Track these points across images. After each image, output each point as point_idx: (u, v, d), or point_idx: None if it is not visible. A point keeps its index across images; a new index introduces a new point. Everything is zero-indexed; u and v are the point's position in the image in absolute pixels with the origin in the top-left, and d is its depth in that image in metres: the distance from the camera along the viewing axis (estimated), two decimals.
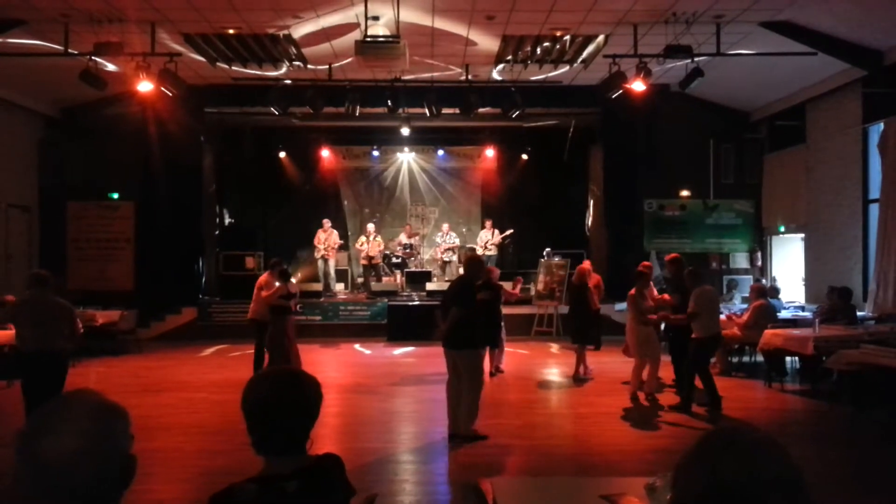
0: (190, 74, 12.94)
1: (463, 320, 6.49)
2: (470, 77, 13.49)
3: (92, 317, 11.72)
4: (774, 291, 12.11)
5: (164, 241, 14.64)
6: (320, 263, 16.14)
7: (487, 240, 16.42)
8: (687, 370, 8.08)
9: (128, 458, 1.43)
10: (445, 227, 16.99)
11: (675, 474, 1.27)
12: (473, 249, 16.83)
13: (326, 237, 16.03)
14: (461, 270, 16.22)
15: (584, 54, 12.71)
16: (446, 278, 16.31)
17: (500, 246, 16.47)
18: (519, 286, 11.70)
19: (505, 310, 10.53)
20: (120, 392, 8.73)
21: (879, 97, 11.29)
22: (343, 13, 10.66)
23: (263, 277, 9.95)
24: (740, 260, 15.67)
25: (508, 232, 16.47)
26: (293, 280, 10.54)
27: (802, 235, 14.09)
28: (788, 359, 9.93)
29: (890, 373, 7.44)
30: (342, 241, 16.63)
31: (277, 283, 9.49)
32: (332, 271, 16.23)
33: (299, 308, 9.98)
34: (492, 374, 9.97)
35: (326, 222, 16.24)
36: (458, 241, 16.89)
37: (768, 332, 9.37)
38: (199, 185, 15.46)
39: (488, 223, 16.77)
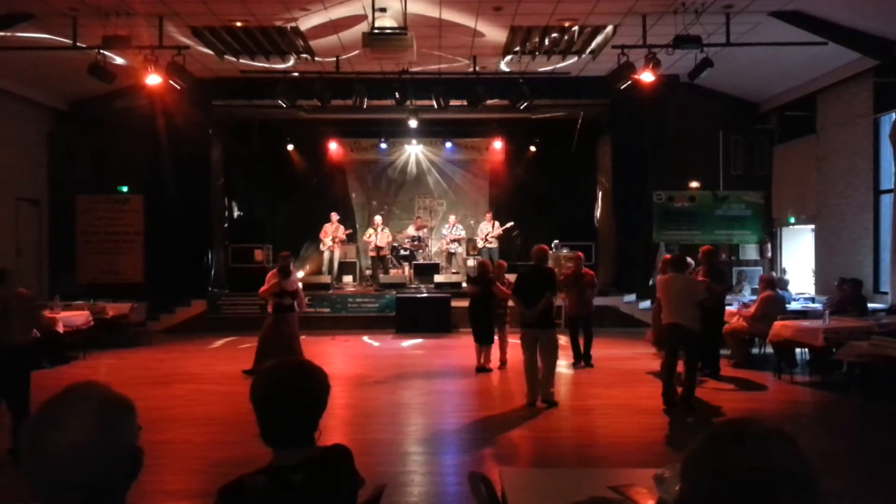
0: (198, 67, 12.96)
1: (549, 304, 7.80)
2: (478, 69, 13.44)
3: (102, 309, 11.79)
4: (783, 283, 12.06)
5: (173, 233, 14.69)
6: (326, 255, 16.19)
7: (488, 232, 16.43)
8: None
9: (134, 451, 1.43)
10: (452, 218, 17.02)
11: (684, 465, 1.26)
12: (474, 241, 16.88)
13: (333, 230, 16.09)
14: (469, 262, 16.37)
15: (593, 45, 12.64)
16: (453, 270, 16.33)
17: (500, 238, 16.46)
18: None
19: (512, 302, 10.31)
20: (130, 384, 8.78)
21: (891, 87, 11.19)
22: (350, 5, 10.64)
23: (272, 272, 9.85)
24: (750, 251, 15.59)
25: (509, 224, 16.42)
26: (296, 276, 10.35)
27: (812, 227, 14.00)
28: (798, 350, 9.90)
29: None
30: (350, 231, 16.66)
31: (276, 279, 9.38)
32: (335, 264, 16.29)
33: (298, 306, 9.77)
34: (483, 369, 9.90)
35: (334, 216, 16.31)
36: (464, 233, 16.90)
37: (778, 324, 9.34)
38: (208, 177, 15.49)
39: (488, 215, 16.78)
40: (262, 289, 9.52)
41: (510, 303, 10.18)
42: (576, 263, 10.61)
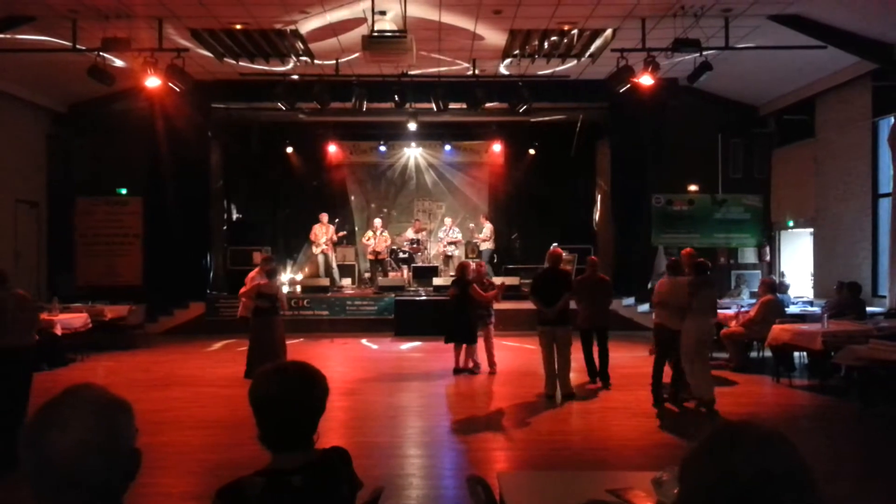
0: (197, 70, 12.97)
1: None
2: (477, 72, 13.46)
3: (101, 311, 11.78)
4: (783, 287, 12.06)
5: (172, 236, 14.68)
6: (321, 258, 16.15)
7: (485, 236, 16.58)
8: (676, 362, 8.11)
9: (133, 452, 1.44)
10: (448, 221, 17.05)
11: (682, 468, 1.26)
12: (472, 244, 16.93)
13: (324, 231, 16.01)
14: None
15: (592, 48, 12.66)
16: (451, 273, 16.33)
17: (488, 240, 16.67)
18: (497, 291, 10.22)
19: (510, 305, 10.24)
20: (128, 386, 8.77)
21: (889, 91, 11.20)
22: (350, 8, 10.65)
23: (252, 273, 9.65)
24: (749, 255, 15.61)
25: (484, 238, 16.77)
26: (282, 278, 10.29)
27: (811, 230, 14.02)
28: (797, 354, 9.90)
29: None
30: (344, 233, 16.60)
31: (256, 281, 9.25)
32: (334, 265, 16.25)
33: (282, 309, 9.72)
34: (460, 370, 9.92)
35: (324, 216, 16.21)
36: (461, 236, 16.93)
37: (776, 328, 9.34)
38: (207, 180, 15.48)
39: (482, 217, 16.87)
40: (242, 291, 9.47)
41: (495, 304, 10.19)
42: (589, 268, 9.57)
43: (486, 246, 16.64)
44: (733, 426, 1.27)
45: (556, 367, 8.33)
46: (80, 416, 1.37)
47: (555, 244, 15.13)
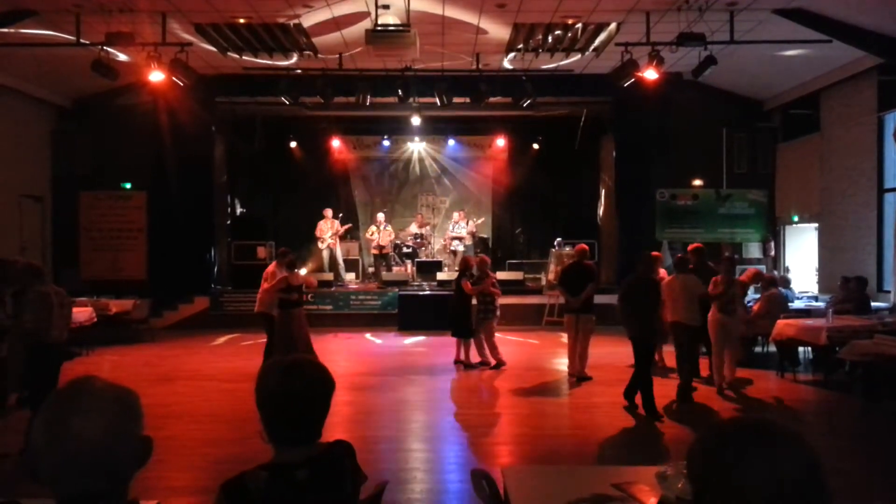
0: (201, 64, 12.96)
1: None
2: (481, 66, 13.42)
3: (105, 306, 11.81)
4: (785, 281, 12.02)
5: (176, 230, 14.71)
6: (325, 253, 16.14)
7: (461, 235, 16.46)
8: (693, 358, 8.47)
9: (144, 439, 1.47)
10: (456, 216, 16.97)
11: (689, 463, 1.25)
12: (486, 239, 16.86)
13: (328, 226, 16.01)
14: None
15: (596, 42, 12.62)
16: (456, 268, 16.32)
17: (472, 236, 16.61)
18: (483, 286, 9.99)
19: (514, 299, 10.31)
20: (133, 380, 8.71)
21: (895, 85, 11.15)
22: (353, 2, 10.63)
23: (270, 268, 9.71)
24: (753, 250, 15.57)
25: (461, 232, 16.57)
26: (302, 271, 10.38)
27: (816, 225, 13.98)
28: (801, 349, 9.88)
29: None
30: (350, 226, 16.58)
31: (281, 274, 9.34)
32: (340, 260, 16.25)
33: (309, 298, 9.82)
34: (471, 366, 9.98)
35: (328, 212, 16.21)
36: (465, 231, 16.90)
37: (781, 322, 9.33)
38: (211, 174, 15.50)
39: (460, 214, 16.74)
40: (268, 285, 9.40)
41: (498, 300, 10.18)
42: (645, 265, 7.71)
43: (465, 244, 16.46)
44: (748, 424, 1.24)
45: (578, 350, 9.16)
46: (101, 403, 1.40)
47: (559, 239, 15.21)
